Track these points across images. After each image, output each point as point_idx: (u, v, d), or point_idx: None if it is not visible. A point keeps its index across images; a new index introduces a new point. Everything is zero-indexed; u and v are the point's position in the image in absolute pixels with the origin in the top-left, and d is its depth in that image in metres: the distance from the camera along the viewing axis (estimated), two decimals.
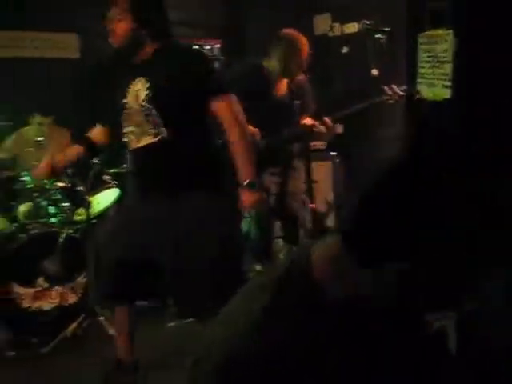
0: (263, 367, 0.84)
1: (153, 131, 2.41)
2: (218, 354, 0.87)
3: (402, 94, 3.34)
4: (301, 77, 3.65)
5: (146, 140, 2.43)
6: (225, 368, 0.86)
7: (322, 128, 3.51)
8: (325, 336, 0.86)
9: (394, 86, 3.41)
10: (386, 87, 3.42)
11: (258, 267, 3.80)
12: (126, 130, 2.50)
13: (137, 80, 2.43)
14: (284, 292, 0.87)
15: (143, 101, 2.39)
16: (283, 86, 3.62)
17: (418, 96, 2.92)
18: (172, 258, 2.42)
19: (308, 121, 3.57)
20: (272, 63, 3.51)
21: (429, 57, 2.69)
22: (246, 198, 2.44)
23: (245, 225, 3.61)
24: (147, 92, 2.38)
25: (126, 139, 2.53)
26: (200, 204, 2.39)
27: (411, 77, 2.67)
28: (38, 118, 4.17)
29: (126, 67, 2.53)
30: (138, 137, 2.46)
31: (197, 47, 3.89)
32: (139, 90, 2.41)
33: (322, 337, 0.86)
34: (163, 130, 2.39)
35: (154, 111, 2.38)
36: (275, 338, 0.85)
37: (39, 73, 4.79)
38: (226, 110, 2.39)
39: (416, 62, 2.65)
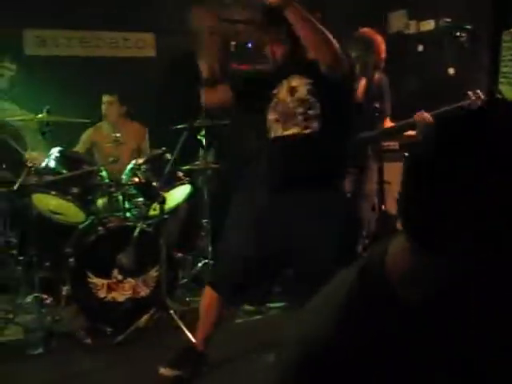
0: (350, 357, 0.83)
1: (303, 124, 2.51)
2: (307, 342, 0.87)
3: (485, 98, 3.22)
4: (379, 77, 3.60)
5: (293, 130, 2.53)
6: (313, 357, 0.86)
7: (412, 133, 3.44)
8: (402, 335, 0.84)
9: (478, 91, 3.28)
10: (470, 92, 3.30)
11: None
12: (270, 117, 2.60)
13: (291, 77, 2.56)
14: (359, 293, 0.85)
15: (305, 94, 2.51)
16: (361, 86, 3.59)
17: (499, 96, 2.81)
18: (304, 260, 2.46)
19: (388, 123, 3.53)
20: None
21: None
22: None
23: None
24: (309, 87, 2.50)
25: (268, 126, 2.63)
26: (331, 205, 2.48)
27: (493, 76, 2.56)
28: (106, 97, 4.35)
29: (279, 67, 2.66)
30: (284, 126, 2.56)
31: None
32: (297, 86, 2.53)
33: (398, 336, 0.84)
34: (315, 124, 2.49)
35: (316, 104, 2.49)
36: (357, 332, 0.83)
37: (117, 72, 4.95)
38: None
39: (499, 60, 2.54)
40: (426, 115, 3.38)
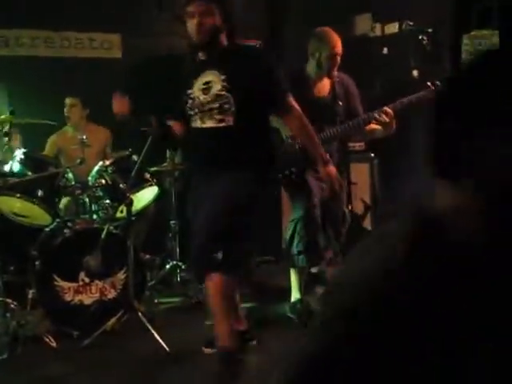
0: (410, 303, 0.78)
1: (218, 117, 2.71)
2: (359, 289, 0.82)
3: None
4: (342, 76, 3.64)
5: (210, 123, 2.74)
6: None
7: (384, 117, 3.46)
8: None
9: (438, 83, 3.37)
10: (429, 83, 3.40)
11: (314, 270, 3.78)
12: (190, 113, 2.78)
13: (206, 73, 2.72)
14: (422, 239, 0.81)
15: (219, 90, 2.68)
16: (325, 86, 3.62)
17: None
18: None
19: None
20: (310, 64, 3.55)
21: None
22: (331, 168, 2.96)
23: (289, 227, 3.59)
24: (224, 83, 2.67)
25: (190, 121, 2.81)
26: (239, 177, 2.68)
27: None
28: (68, 100, 4.32)
29: (194, 62, 2.83)
30: (202, 119, 2.76)
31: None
32: (211, 81, 2.70)
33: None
34: (230, 118, 2.69)
35: (229, 100, 2.66)
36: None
37: (82, 73, 4.90)
38: (293, 106, 2.77)
39: (459, 63, 2.61)
40: (389, 110, 3.45)
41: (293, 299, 3.72)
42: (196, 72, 2.78)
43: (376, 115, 3.48)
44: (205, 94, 2.73)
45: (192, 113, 2.78)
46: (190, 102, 2.78)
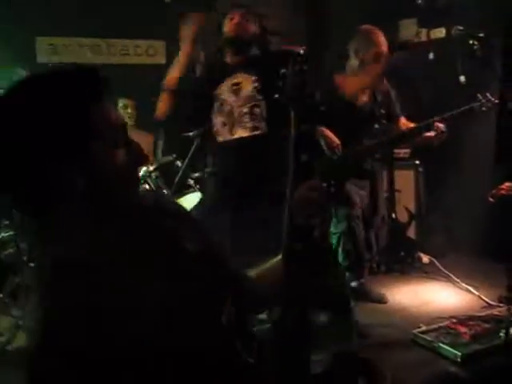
0: None
1: (250, 125, 2.45)
2: None
3: (495, 101, 3.23)
4: (385, 86, 3.59)
5: (241, 133, 2.47)
6: None
7: (431, 133, 3.40)
8: None
9: (487, 94, 3.29)
10: (479, 94, 3.32)
11: (354, 284, 3.68)
12: (215, 121, 2.54)
13: (237, 75, 2.55)
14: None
15: (251, 92, 2.47)
16: (365, 94, 3.56)
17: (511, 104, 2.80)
18: None
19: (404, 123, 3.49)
20: (351, 61, 3.46)
21: None
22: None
23: (333, 240, 3.49)
24: (256, 84, 2.47)
25: (214, 130, 2.54)
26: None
27: (505, 84, 2.55)
28: (122, 101, 4.36)
29: (223, 63, 2.66)
30: (231, 128, 2.49)
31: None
32: (241, 82, 2.51)
33: None
34: (264, 124, 2.43)
35: (262, 103, 2.44)
36: None
37: (128, 79, 4.96)
38: None
39: (511, 68, 2.53)
40: (440, 125, 3.38)
41: None
42: (225, 73, 2.64)
43: (428, 128, 3.42)
44: (235, 95, 2.56)
45: (219, 121, 2.56)
46: (217, 104, 2.59)
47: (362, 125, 3.44)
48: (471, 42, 2.63)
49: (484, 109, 3.39)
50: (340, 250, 3.47)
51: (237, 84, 2.54)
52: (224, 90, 2.57)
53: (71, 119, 1.01)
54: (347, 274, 3.48)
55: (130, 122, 4.44)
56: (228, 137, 2.54)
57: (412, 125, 3.55)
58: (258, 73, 2.53)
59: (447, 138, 3.44)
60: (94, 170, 1.03)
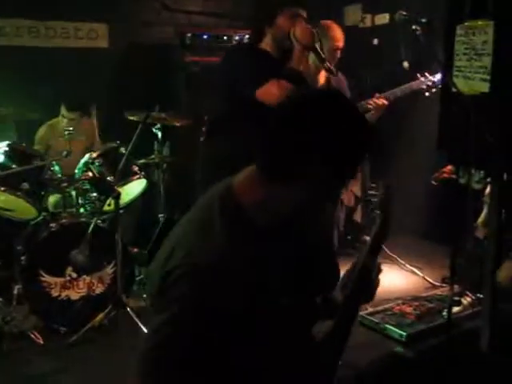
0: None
1: None
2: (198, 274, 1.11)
3: (434, 79, 3.33)
4: (340, 74, 3.64)
5: None
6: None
7: (376, 102, 3.45)
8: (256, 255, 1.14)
9: (427, 74, 3.38)
10: (418, 74, 3.41)
11: None
12: None
13: None
14: (224, 226, 1.13)
15: None
16: (321, 79, 3.60)
17: (453, 89, 2.85)
18: None
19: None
20: (310, 56, 3.51)
21: (466, 49, 2.60)
22: None
23: None
24: None
25: None
26: None
27: (447, 69, 2.58)
28: (63, 111, 4.19)
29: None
30: None
31: None
32: None
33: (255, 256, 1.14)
34: None
35: None
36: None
37: (69, 63, 4.80)
38: None
39: (452, 54, 2.57)
40: (382, 99, 3.45)
41: None
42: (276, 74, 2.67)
43: (370, 101, 3.47)
44: None
45: None
46: None
47: None
48: (414, 27, 2.64)
49: (427, 94, 3.47)
50: None
51: None
52: None
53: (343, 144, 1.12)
54: None
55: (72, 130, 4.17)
56: None
57: None
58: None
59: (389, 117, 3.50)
60: (316, 191, 1.15)
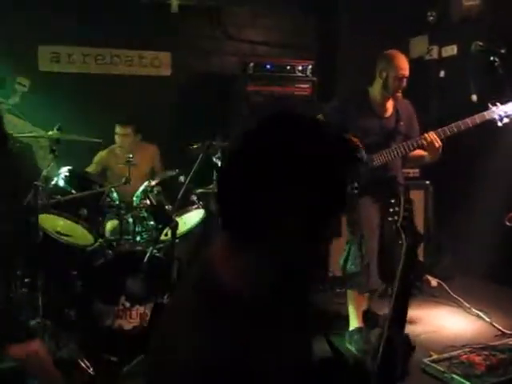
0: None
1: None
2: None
3: (508, 110, 3.18)
4: (406, 101, 3.62)
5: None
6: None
7: (423, 142, 3.37)
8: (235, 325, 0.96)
9: (498, 104, 3.23)
10: (490, 104, 3.26)
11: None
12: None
13: None
14: (205, 304, 0.97)
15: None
16: (389, 108, 3.57)
17: None
18: None
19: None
20: (376, 84, 3.52)
21: None
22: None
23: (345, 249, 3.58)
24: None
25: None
26: None
27: None
28: (120, 129, 4.23)
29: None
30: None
31: None
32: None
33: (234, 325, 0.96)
34: None
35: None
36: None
37: (132, 90, 4.86)
38: None
39: None
40: (429, 136, 3.34)
41: (351, 328, 3.58)
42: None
43: (416, 141, 3.41)
44: None
45: None
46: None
47: (386, 136, 3.51)
48: (492, 58, 2.50)
49: (500, 124, 3.30)
50: (350, 257, 3.53)
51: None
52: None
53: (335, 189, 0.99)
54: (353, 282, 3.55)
55: (130, 145, 4.27)
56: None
57: None
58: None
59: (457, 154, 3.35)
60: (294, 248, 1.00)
